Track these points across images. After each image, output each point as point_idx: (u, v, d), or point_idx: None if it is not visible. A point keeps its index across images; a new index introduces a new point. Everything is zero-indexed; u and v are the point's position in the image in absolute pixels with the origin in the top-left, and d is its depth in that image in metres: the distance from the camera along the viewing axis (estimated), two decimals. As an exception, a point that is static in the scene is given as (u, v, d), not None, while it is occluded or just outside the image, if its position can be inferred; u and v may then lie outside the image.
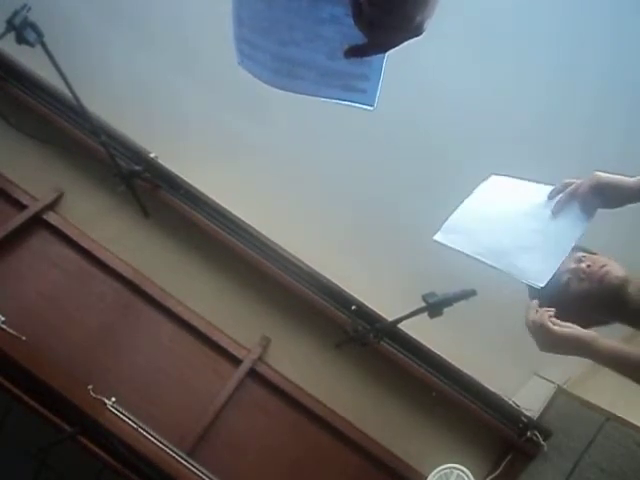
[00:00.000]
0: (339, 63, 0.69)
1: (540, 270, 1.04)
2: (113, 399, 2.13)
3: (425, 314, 1.85)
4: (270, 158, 2.54)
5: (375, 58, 0.67)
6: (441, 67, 2.19)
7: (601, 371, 2.46)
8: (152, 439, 2.12)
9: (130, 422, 2.12)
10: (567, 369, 2.58)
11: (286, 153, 2.53)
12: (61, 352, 2.31)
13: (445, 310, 1.82)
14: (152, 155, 2.47)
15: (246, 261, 2.47)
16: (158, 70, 2.49)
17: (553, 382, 2.60)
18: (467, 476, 2.25)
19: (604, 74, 2.06)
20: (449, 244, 1.17)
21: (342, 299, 2.46)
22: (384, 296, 2.50)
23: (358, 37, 0.62)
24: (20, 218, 2.43)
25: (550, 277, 1.02)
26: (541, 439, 2.36)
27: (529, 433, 2.39)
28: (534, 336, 1.16)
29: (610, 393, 2.25)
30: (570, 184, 1.10)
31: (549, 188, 1.15)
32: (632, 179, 1.05)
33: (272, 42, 0.74)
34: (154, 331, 2.47)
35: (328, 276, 2.48)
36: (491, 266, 1.08)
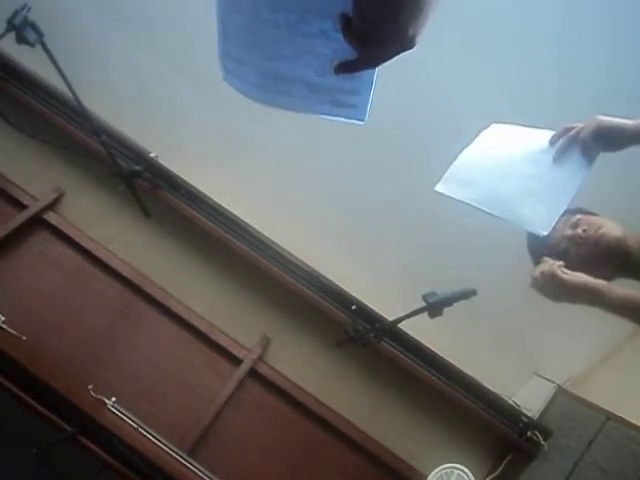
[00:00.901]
0: (329, 79, 0.68)
1: (543, 218, 1.01)
2: (113, 399, 2.13)
3: (425, 314, 1.84)
4: (270, 158, 2.54)
5: (366, 72, 0.66)
6: (440, 68, 2.19)
7: (601, 370, 2.47)
8: (152, 439, 2.12)
9: (130, 422, 2.12)
10: (567, 369, 2.58)
11: (286, 153, 2.53)
12: (61, 352, 2.31)
13: (445, 310, 1.82)
14: (152, 155, 2.47)
15: (246, 261, 2.46)
16: (158, 70, 2.49)
17: (553, 382, 2.60)
18: (467, 476, 2.24)
19: (604, 74, 2.06)
20: (450, 194, 1.14)
21: (342, 299, 2.45)
22: (384, 296, 2.50)
23: (348, 52, 0.62)
24: (20, 218, 2.43)
25: (553, 225, 1.00)
26: (541, 439, 2.36)
27: (529, 433, 2.38)
28: (543, 289, 1.14)
29: (610, 393, 2.25)
30: (571, 128, 1.09)
31: (550, 133, 1.12)
32: (632, 122, 1.04)
33: (258, 58, 0.72)
34: (154, 331, 2.46)
35: (328, 276, 2.48)
36: (492, 215, 1.05)
